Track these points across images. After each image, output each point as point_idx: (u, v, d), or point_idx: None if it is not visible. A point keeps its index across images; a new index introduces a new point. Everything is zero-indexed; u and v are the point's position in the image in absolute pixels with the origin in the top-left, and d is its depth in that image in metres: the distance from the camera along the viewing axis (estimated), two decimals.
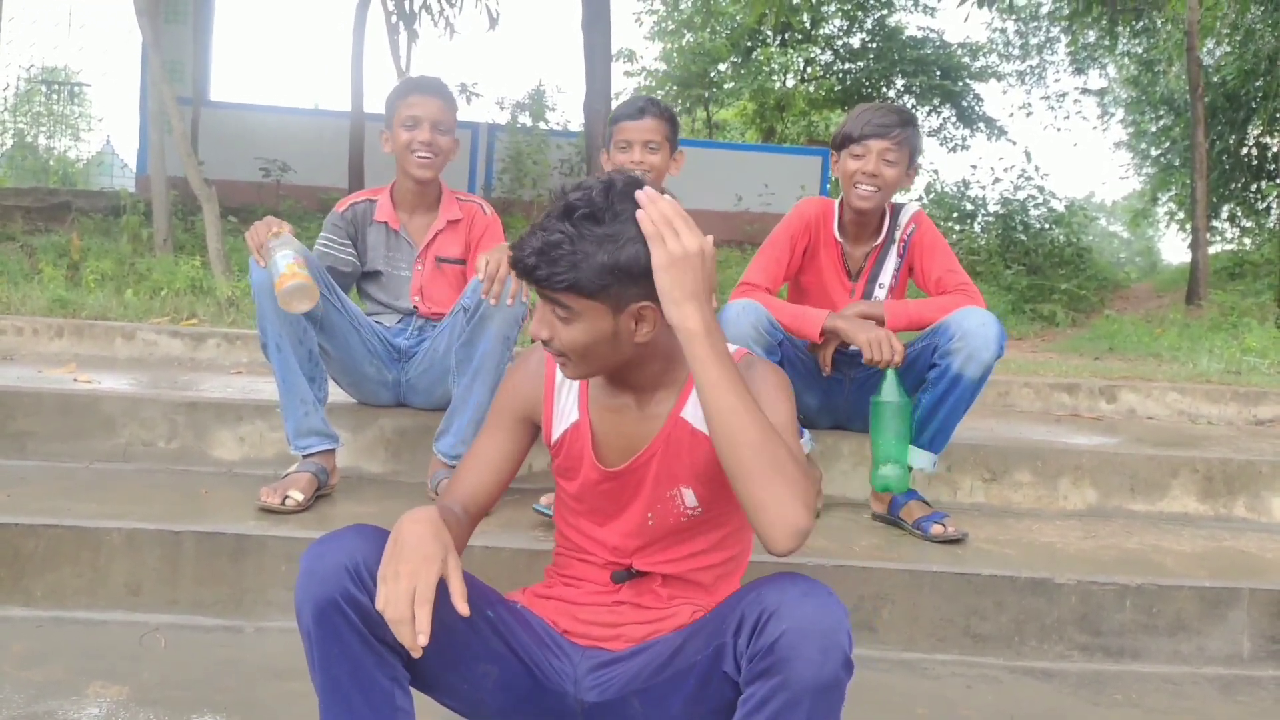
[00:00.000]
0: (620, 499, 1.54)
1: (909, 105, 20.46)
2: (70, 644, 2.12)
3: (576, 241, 1.35)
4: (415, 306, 2.94)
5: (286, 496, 2.48)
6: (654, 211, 1.34)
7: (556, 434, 1.59)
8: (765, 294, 2.77)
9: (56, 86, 20.13)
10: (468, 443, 2.62)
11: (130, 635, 2.18)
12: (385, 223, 2.94)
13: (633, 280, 1.36)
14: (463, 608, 1.31)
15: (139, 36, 7.80)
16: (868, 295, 2.88)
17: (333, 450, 2.67)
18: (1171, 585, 2.37)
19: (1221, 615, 2.35)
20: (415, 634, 1.26)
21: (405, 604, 1.27)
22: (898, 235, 2.89)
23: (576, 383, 1.56)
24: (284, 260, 2.38)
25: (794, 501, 1.29)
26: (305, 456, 2.61)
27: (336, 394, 3.00)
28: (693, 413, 1.47)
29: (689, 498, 1.51)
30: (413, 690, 1.42)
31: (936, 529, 2.61)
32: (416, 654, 1.28)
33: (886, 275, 2.89)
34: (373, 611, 1.31)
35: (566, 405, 1.59)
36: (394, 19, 11.73)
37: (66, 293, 5.36)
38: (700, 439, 1.47)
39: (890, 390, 2.60)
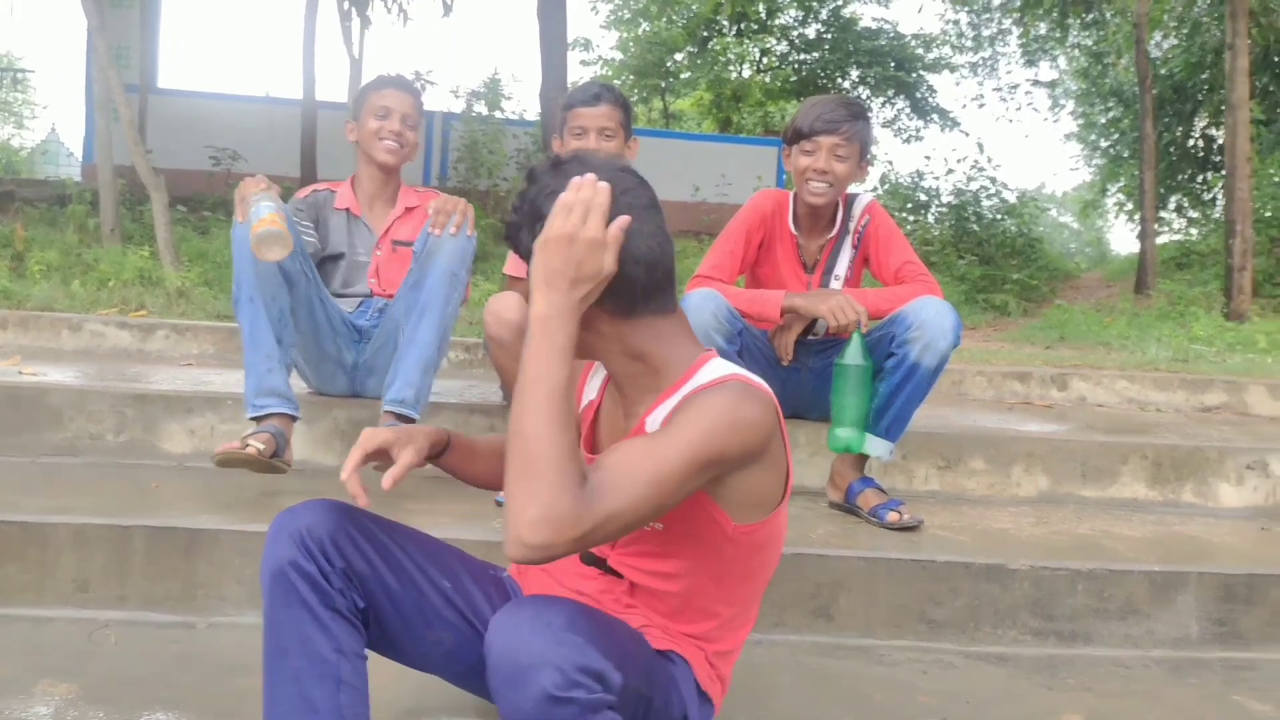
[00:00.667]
0: None
1: (864, 96, 20.62)
2: (17, 642, 2.07)
3: (518, 214, 1.39)
4: (371, 290, 2.93)
5: (247, 444, 2.42)
6: (569, 195, 1.30)
7: (581, 405, 1.59)
8: (722, 284, 2.77)
9: None
10: (414, 386, 2.58)
11: (79, 632, 2.14)
12: (347, 209, 2.99)
13: None
14: (363, 500, 1.46)
15: (84, 21, 7.62)
16: (824, 286, 2.90)
17: (292, 419, 2.60)
18: (1122, 570, 2.41)
19: (1170, 599, 2.40)
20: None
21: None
22: (852, 227, 2.90)
23: None
24: (265, 209, 2.40)
25: (530, 510, 1.17)
26: (263, 419, 2.56)
27: (293, 382, 2.96)
28: (654, 422, 1.39)
29: None
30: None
31: (892, 516, 2.63)
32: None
33: (842, 267, 2.91)
34: (322, 582, 1.37)
35: (594, 382, 1.59)
36: (346, 5, 11.57)
37: (10, 284, 5.25)
38: None
39: (854, 354, 2.61)
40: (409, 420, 2.58)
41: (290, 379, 2.67)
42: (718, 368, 1.39)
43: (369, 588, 1.44)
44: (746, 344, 2.77)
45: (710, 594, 1.48)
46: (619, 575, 1.49)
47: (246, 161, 11.32)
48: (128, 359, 4.05)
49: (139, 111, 10.53)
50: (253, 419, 2.56)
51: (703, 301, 2.63)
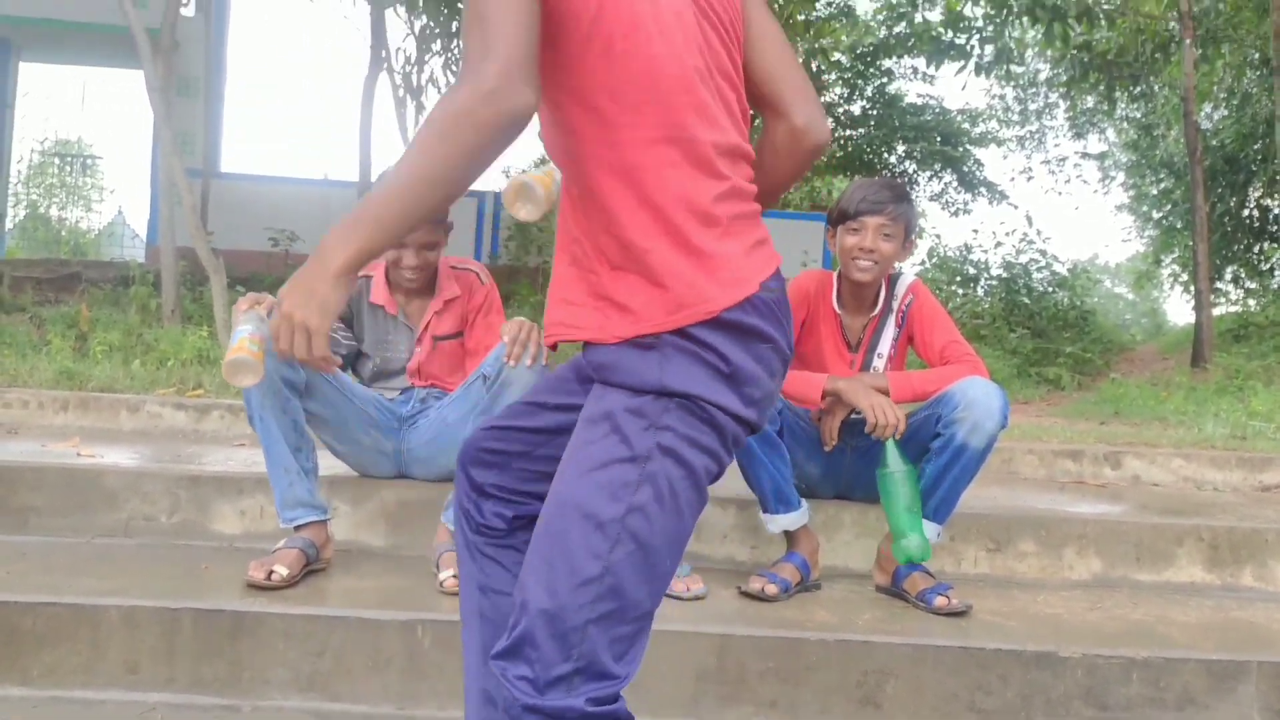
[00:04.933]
0: None
1: (910, 170, 20.68)
2: None
3: None
4: (413, 384, 2.95)
5: (272, 572, 2.47)
6: None
7: None
8: None
9: (69, 159, 20.46)
10: None
11: (128, 715, 2.16)
12: (382, 306, 2.93)
13: None
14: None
15: (150, 109, 7.94)
16: (866, 365, 2.90)
17: (323, 522, 2.66)
18: (1178, 658, 2.34)
19: (1230, 689, 2.32)
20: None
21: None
22: (895, 305, 2.92)
23: None
24: (239, 334, 2.37)
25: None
26: (296, 529, 2.61)
27: (338, 466, 3.00)
28: None
29: None
30: None
31: (940, 601, 2.59)
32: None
33: (885, 345, 2.92)
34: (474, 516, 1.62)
35: None
36: (401, 92, 11.93)
37: (74, 364, 5.40)
38: None
39: (894, 460, 2.61)
40: None
41: (317, 479, 2.70)
42: None
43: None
44: (788, 422, 2.77)
45: (591, 135, 1.32)
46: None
47: (304, 242, 11.61)
48: (183, 439, 4.14)
49: (201, 195, 10.89)
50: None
51: None
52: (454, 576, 2.49)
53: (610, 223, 1.32)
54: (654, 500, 1.27)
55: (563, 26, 1.29)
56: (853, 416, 2.87)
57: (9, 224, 15.18)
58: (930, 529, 2.67)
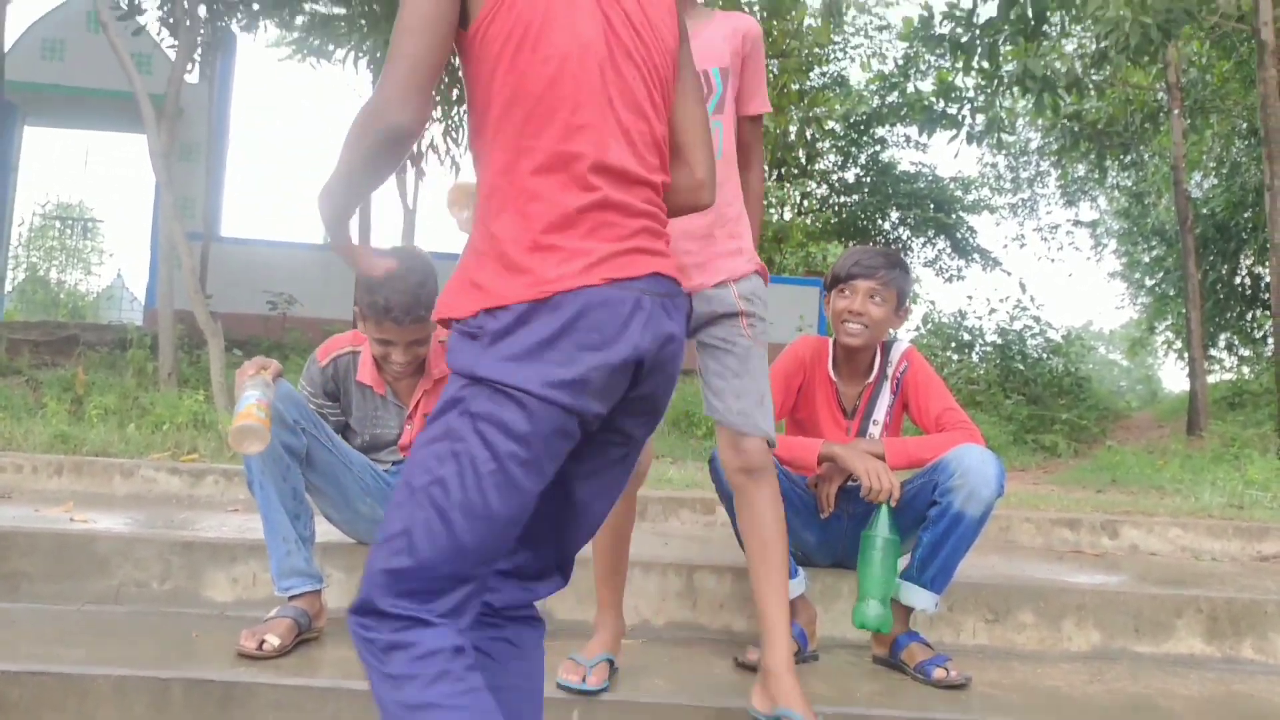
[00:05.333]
0: None
1: (904, 237, 20.89)
2: None
3: None
4: (405, 458, 2.92)
5: (263, 641, 2.44)
6: None
7: None
8: None
9: (70, 221, 20.61)
10: None
11: None
12: (369, 386, 2.83)
13: None
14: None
15: (152, 173, 8.02)
16: (863, 432, 2.91)
17: (317, 592, 2.64)
18: None
19: None
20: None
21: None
22: (890, 373, 2.93)
23: None
24: (245, 400, 2.39)
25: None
26: (290, 598, 2.59)
27: (332, 533, 2.99)
28: None
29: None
30: None
31: (939, 673, 2.56)
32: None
33: (880, 412, 2.92)
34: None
35: None
36: None
37: (69, 427, 5.39)
38: None
39: (883, 525, 2.60)
40: None
41: (314, 547, 2.68)
42: None
43: None
44: (784, 490, 2.77)
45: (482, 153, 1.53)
46: None
47: (302, 305, 11.67)
48: (177, 505, 4.12)
49: (201, 258, 10.96)
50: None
51: None
52: None
53: (483, 218, 1.52)
54: (455, 475, 1.42)
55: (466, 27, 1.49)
56: (849, 483, 2.86)
57: (8, 286, 15.24)
58: (928, 598, 2.65)
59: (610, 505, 1.66)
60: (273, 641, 2.45)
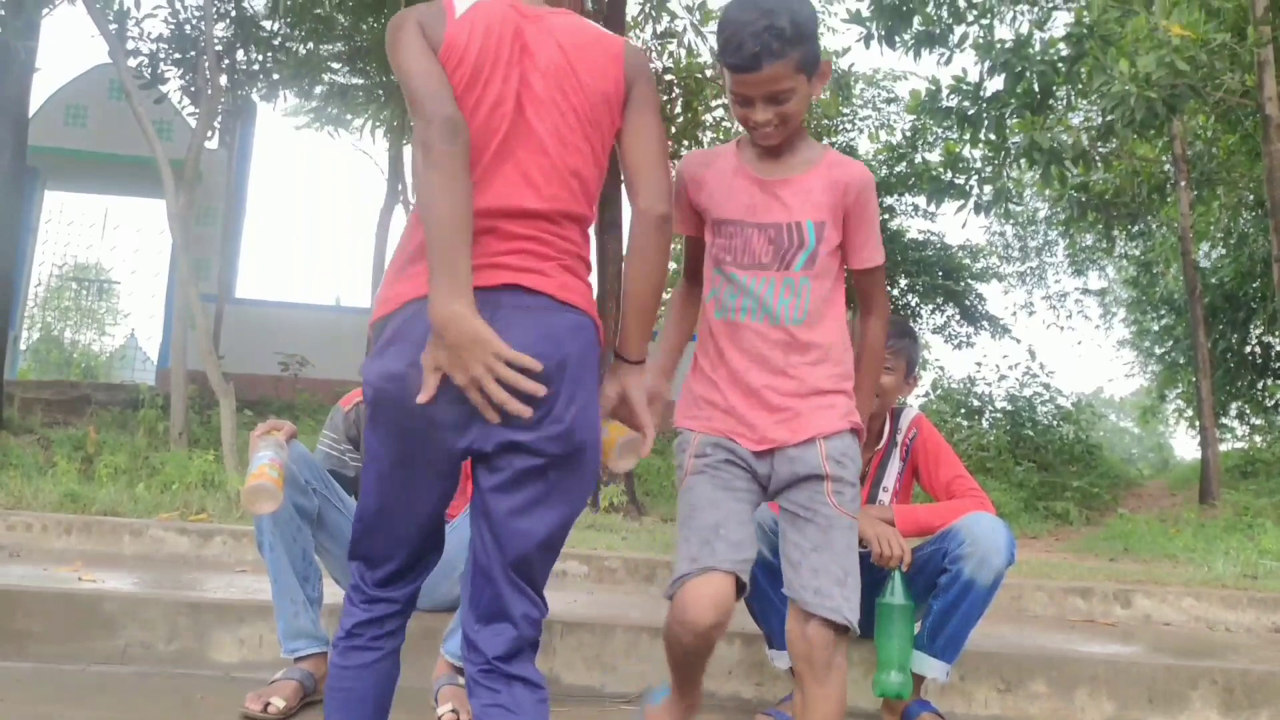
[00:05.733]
0: None
1: (912, 303, 20.93)
2: None
3: None
4: None
5: (269, 703, 2.43)
6: None
7: None
8: None
9: (87, 283, 20.82)
10: None
11: None
12: None
13: None
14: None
15: (170, 236, 8.13)
16: (872, 499, 2.90)
17: (324, 654, 2.63)
18: None
19: None
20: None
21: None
22: (899, 439, 2.93)
23: None
24: (259, 460, 2.41)
25: None
26: (296, 660, 2.58)
27: (338, 594, 2.97)
28: None
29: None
30: None
31: None
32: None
33: (890, 479, 2.92)
34: None
35: None
36: None
37: (79, 487, 5.40)
38: None
39: (897, 592, 2.59)
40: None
41: (321, 608, 2.69)
42: None
43: None
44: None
45: None
46: None
47: (314, 366, 11.73)
48: (185, 565, 4.11)
49: (215, 319, 11.05)
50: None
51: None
52: (452, 711, 2.45)
53: None
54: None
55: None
56: (860, 550, 2.85)
57: (22, 345, 15.36)
58: (939, 667, 2.63)
59: (546, 525, 1.66)
60: (278, 704, 2.43)
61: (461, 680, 2.57)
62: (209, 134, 9.04)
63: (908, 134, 16.63)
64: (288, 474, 2.47)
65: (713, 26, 12.69)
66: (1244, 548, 6.48)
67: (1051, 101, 10.13)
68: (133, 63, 9.01)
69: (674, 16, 12.59)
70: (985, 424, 15.06)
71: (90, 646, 2.89)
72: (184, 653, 2.91)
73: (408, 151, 12.06)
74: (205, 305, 8.02)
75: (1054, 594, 4.31)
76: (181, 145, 9.25)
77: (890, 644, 2.56)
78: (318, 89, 11.92)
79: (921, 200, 17.62)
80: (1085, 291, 22.40)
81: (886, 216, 20.80)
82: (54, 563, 3.81)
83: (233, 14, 9.90)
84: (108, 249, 16.48)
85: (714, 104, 13.01)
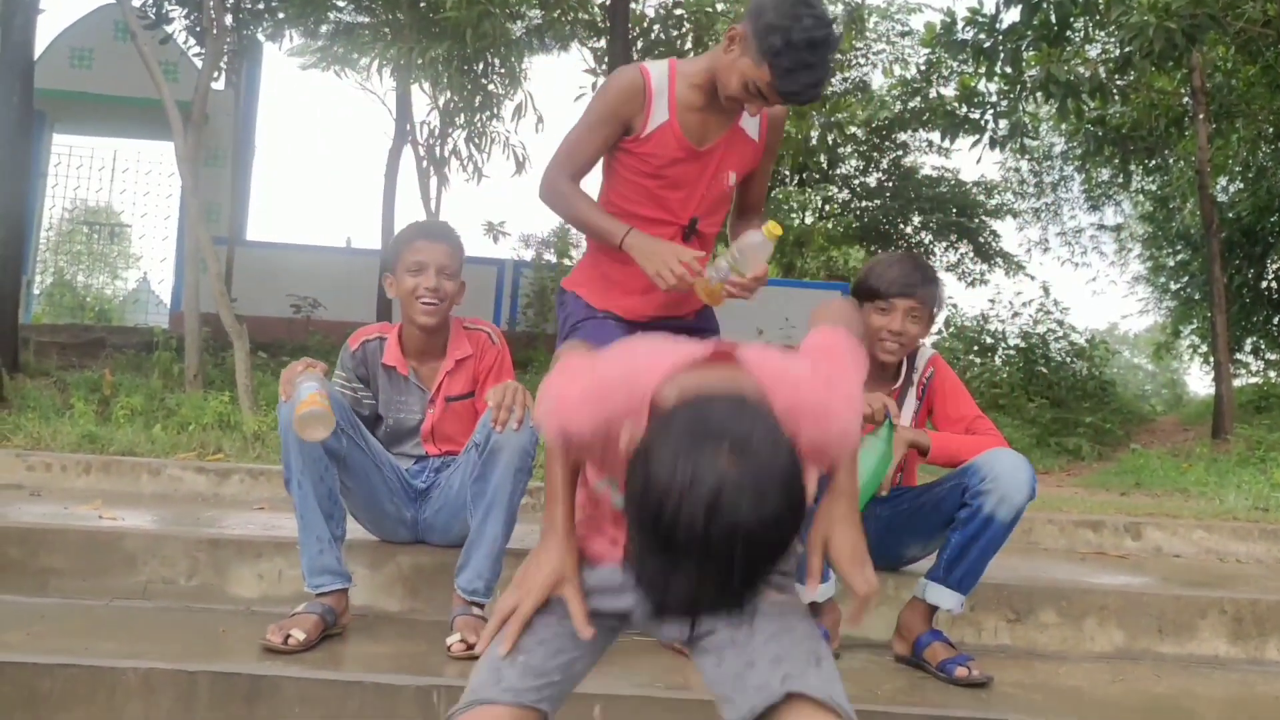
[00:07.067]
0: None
1: (926, 241, 20.81)
2: None
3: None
4: (427, 452, 2.97)
5: (289, 635, 2.47)
6: None
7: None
8: None
9: (98, 226, 20.83)
10: (485, 578, 2.62)
11: None
12: (394, 367, 2.92)
13: None
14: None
15: (179, 179, 8.11)
16: None
17: (345, 590, 2.67)
18: None
19: None
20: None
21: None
22: (916, 379, 2.93)
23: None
24: (306, 390, 2.47)
25: None
26: (318, 595, 2.62)
27: (355, 530, 3.02)
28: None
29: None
30: None
31: (961, 672, 2.56)
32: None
33: (906, 417, 2.92)
34: None
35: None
36: (425, 164, 12.15)
37: (96, 428, 5.45)
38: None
39: (881, 433, 2.58)
40: (481, 605, 2.63)
41: (344, 545, 2.72)
42: None
43: None
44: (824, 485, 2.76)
45: None
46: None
47: (326, 309, 11.76)
48: (203, 503, 4.16)
49: (226, 262, 11.06)
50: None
51: None
52: (461, 641, 2.48)
53: None
54: None
55: None
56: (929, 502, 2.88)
57: (36, 290, 15.42)
58: (954, 598, 2.65)
59: None
60: (298, 636, 2.47)
61: (476, 611, 2.61)
62: (215, 75, 8.96)
63: (922, 68, 16.39)
64: (333, 402, 2.53)
65: None
66: (1256, 481, 6.49)
67: (1068, 33, 9.95)
68: (137, 3, 8.92)
69: None
70: (998, 361, 15.04)
71: (112, 582, 2.94)
72: (204, 588, 2.96)
73: (415, 91, 11.95)
74: (216, 248, 8.01)
75: (1065, 527, 4.33)
76: (188, 86, 9.18)
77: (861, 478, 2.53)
78: (323, 28, 11.79)
79: (936, 136, 17.41)
80: (1101, 227, 22.20)
81: (901, 153, 20.61)
82: (74, 501, 3.86)
83: None
84: (117, 192, 16.41)
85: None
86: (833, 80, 16.75)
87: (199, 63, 9.31)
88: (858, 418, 1.50)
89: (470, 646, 2.46)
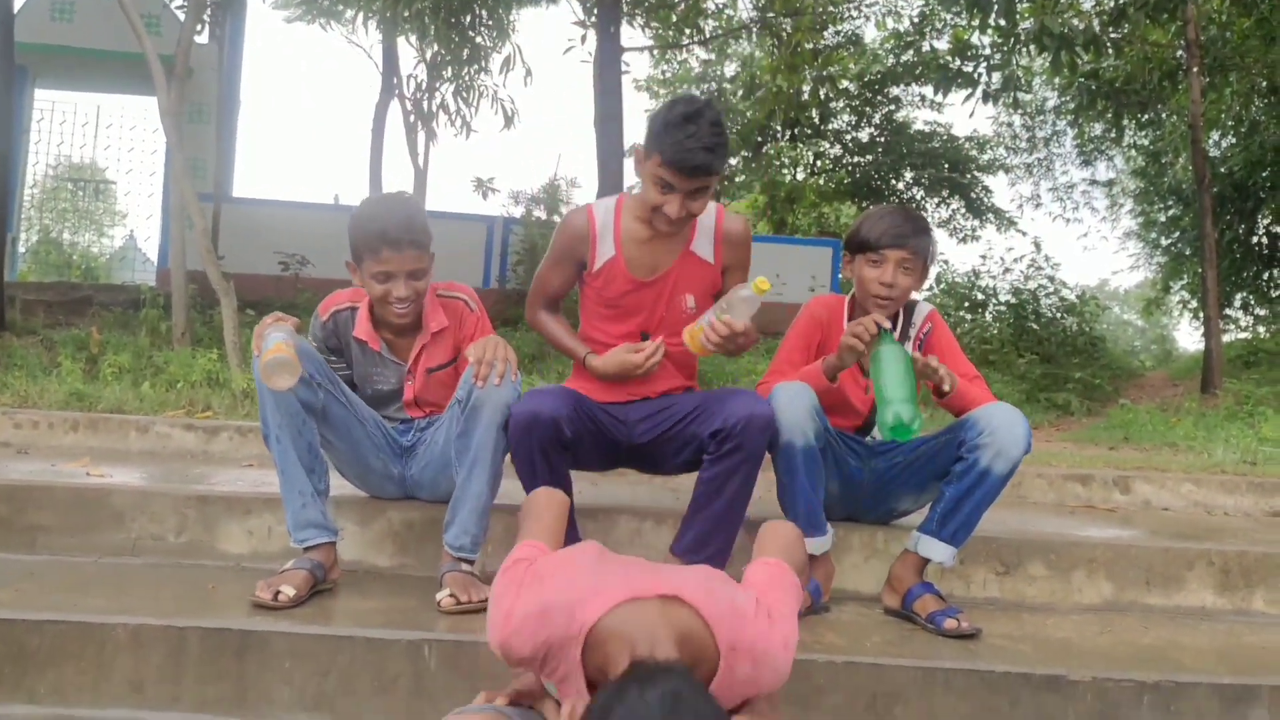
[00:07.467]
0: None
1: (918, 196, 20.74)
2: None
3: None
4: (412, 416, 2.94)
5: (279, 592, 2.46)
6: None
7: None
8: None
9: (83, 183, 20.61)
10: (471, 533, 2.62)
11: None
12: (365, 342, 2.86)
13: None
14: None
15: (163, 135, 8.00)
16: None
17: (332, 543, 2.66)
18: (1190, 682, 2.32)
19: (1242, 714, 2.30)
20: None
21: None
22: (912, 334, 2.92)
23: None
24: (273, 340, 2.45)
25: None
26: (305, 550, 2.61)
27: (345, 487, 3.01)
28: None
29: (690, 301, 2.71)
30: None
31: (950, 624, 2.57)
32: None
33: None
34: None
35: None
36: (412, 118, 12.02)
37: (84, 386, 5.42)
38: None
39: (886, 340, 2.57)
40: (469, 561, 2.62)
41: (329, 500, 2.71)
42: None
43: None
44: (829, 441, 2.76)
45: None
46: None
47: (314, 266, 11.66)
48: (192, 460, 4.15)
49: (212, 219, 10.95)
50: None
51: (800, 394, 2.60)
52: (450, 595, 2.48)
53: None
54: None
55: None
56: (867, 439, 2.87)
57: (21, 247, 15.28)
58: (947, 551, 2.67)
59: None
60: (288, 592, 2.47)
61: (465, 567, 2.60)
62: (198, 28, 8.82)
63: (915, 20, 16.21)
64: (300, 350, 2.50)
65: None
66: (1244, 435, 6.52)
67: None
68: None
69: None
70: (989, 317, 15.06)
71: (100, 539, 2.93)
72: (193, 544, 2.95)
73: (401, 44, 11.79)
74: (202, 205, 7.93)
75: (1054, 481, 4.34)
76: (171, 40, 9.03)
77: (894, 379, 2.50)
78: None
79: (928, 90, 17.29)
80: (1093, 183, 22.21)
81: (893, 107, 20.46)
82: (62, 459, 3.85)
83: None
84: (102, 148, 16.23)
85: None
86: (825, 35, 16.59)
87: (181, 15, 9.15)
88: (791, 658, 1.65)
89: (459, 602, 2.46)
